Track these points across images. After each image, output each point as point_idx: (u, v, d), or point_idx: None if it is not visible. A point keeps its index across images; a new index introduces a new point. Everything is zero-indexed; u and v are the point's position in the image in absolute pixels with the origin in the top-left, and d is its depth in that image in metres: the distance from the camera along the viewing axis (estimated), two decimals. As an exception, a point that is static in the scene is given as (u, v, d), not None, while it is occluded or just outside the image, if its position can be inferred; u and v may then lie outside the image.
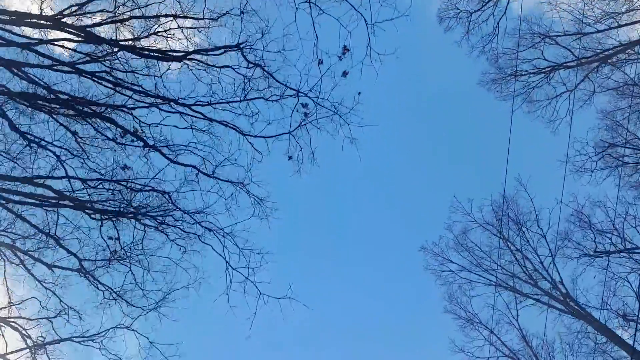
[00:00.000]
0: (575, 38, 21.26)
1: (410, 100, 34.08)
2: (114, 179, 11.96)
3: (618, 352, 18.78)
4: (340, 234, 36.09)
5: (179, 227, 12.55)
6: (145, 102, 11.72)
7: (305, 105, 10.60)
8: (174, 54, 11.06)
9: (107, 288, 14.96)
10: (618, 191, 21.69)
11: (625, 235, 20.73)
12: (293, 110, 10.87)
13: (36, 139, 11.27)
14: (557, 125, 23.16)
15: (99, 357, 14.92)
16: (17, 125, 10.77)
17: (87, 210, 12.38)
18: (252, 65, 10.59)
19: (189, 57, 11.00)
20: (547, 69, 22.40)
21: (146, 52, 11.54)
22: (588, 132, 22.19)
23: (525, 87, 23.48)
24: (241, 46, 10.24)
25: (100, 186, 12.03)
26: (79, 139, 13.84)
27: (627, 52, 21.66)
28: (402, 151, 35.88)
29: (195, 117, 11.89)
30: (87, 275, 14.95)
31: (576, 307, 20.05)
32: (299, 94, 10.49)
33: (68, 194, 11.85)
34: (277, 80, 10.52)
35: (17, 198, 11.88)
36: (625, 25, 20.41)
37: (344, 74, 9.83)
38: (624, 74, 22.49)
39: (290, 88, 10.52)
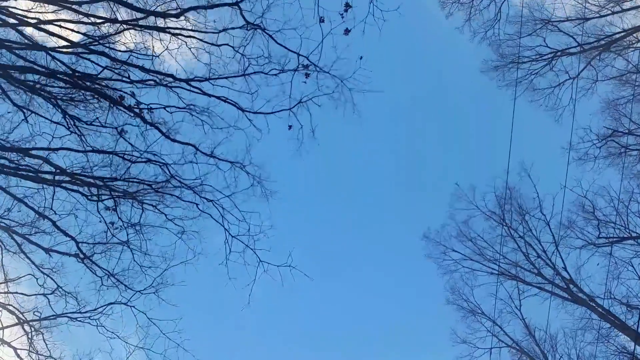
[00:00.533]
0: (578, 23, 21.10)
1: (413, 87, 34.01)
2: (111, 150, 11.75)
3: (621, 337, 18.62)
4: (339, 221, 35.95)
5: (176, 196, 12.40)
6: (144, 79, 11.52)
7: (306, 67, 10.38)
8: (171, 11, 10.80)
9: (105, 272, 14.75)
10: (622, 178, 21.45)
11: (628, 222, 20.58)
12: (294, 75, 10.66)
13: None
14: (560, 113, 22.97)
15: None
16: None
17: (83, 185, 12.18)
18: (251, 26, 10.35)
19: (185, 14, 10.76)
20: (549, 55, 22.22)
21: (145, 25, 11.37)
22: (591, 117, 22.07)
23: (528, 74, 23.30)
24: (239, 3, 10.03)
25: (98, 158, 11.81)
26: (77, 123, 13.71)
27: (629, 38, 21.49)
28: (404, 139, 35.82)
29: (193, 91, 11.73)
30: (84, 261, 14.77)
31: (579, 293, 19.87)
32: (299, 57, 10.30)
33: (64, 167, 11.65)
34: (276, 42, 10.32)
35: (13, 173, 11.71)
36: (630, 9, 20.20)
37: (346, 31, 9.59)
38: (627, 62, 22.35)
39: (291, 50, 10.28)
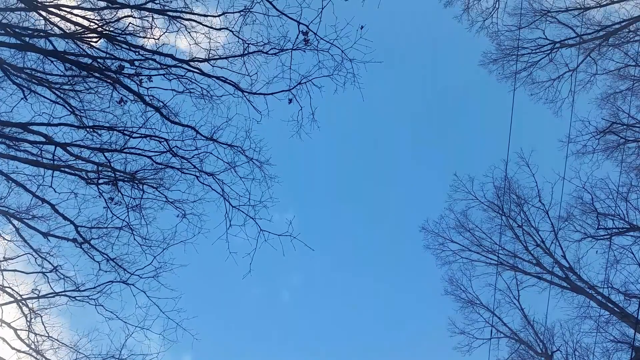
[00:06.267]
0: (577, 14, 21.13)
1: (411, 77, 34.12)
2: (110, 126, 11.75)
3: (621, 324, 18.60)
4: (335, 213, 36.06)
5: (177, 168, 12.40)
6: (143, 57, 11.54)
7: (305, 33, 10.36)
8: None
9: (104, 257, 14.74)
10: (620, 171, 21.46)
11: (627, 213, 20.59)
12: (294, 46, 10.66)
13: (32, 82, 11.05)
14: (559, 106, 23.07)
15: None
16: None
17: (81, 160, 12.20)
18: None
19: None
20: (548, 47, 22.25)
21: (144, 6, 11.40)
22: (590, 110, 22.13)
23: (527, 66, 23.34)
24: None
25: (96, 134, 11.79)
26: (77, 112, 13.73)
27: (628, 32, 21.50)
28: (402, 128, 35.93)
29: (193, 71, 11.75)
30: (83, 245, 14.76)
31: (578, 281, 19.88)
32: (300, 26, 10.28)
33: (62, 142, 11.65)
34: (276, 8, 10.30)
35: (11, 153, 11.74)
36: (629, -1, 20.23)
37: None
38: (625, 55, 22.38)
39: (290, 18, 10.24)
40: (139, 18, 12.33)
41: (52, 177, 11.50)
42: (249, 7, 10.58)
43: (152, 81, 11.27)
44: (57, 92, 13.33)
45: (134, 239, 13.56)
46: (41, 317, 14.07)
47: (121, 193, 12.58)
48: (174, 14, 12.47)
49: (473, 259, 23.70)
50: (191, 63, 11.75)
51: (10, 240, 15.02)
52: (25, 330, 13.82)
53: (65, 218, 14.29)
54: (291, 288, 35.67)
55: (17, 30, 12.08)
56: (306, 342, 34.14)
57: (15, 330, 13.62)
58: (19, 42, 11.47)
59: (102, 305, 13.98)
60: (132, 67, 11.93)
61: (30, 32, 12.30)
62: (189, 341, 13.98)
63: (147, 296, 13.64)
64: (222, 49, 12.35)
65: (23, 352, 14.10)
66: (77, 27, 12.13)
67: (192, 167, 12.18)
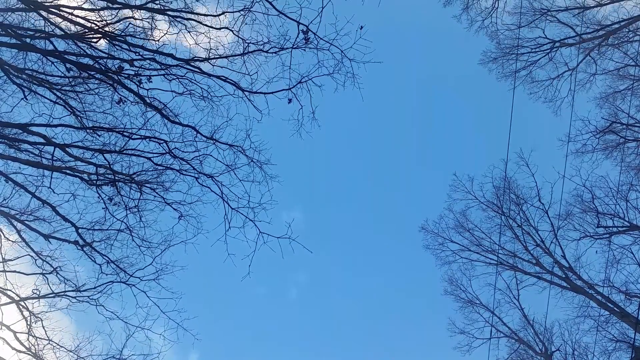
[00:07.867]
0: (577, 13, 21.12)
1: (410, 76, 34.13)
2: (110, 127, 11.70)
3: (620, 324, 18.60)
4: (337, 213, 36.05)
5: (176, 170, 12.37)
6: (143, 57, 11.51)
7: (306, 32, 10.34)
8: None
9: (105, 259, 14.68)
10: (620, 171, 21.45)
11: (627, 212, 20.59)
12: (294, 45, 10.63)
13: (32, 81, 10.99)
14: (559, 105, 23.04)
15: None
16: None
17: (81, 161, 12.16)
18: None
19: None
20: (547, 46, 22.24)
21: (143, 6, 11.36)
22: (590, 109, 22.12)
23: (527, 65, 23.32)
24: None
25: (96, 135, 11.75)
26: (77, 113, 13.68)
27: (628, 31, 21.49)
28: (401, 128, 35.92)
29: (193, 71, 11.72)
30: (84, 248, 14.71)
31: (578, 281, 19.88)
32: (299, 26, 10.26)
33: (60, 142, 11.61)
34: (275, 9, 10.28)
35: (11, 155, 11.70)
36: (629, -2, 20.22)
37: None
38: (625, 54, 22.37)
39: (290, 18, 10.23)
40: (139, 19, 12.34)
41: (52, 178, 11.38)
42: (249, 7, 10.54)
43: (152, 82, 11.23)
44: (57, 92, 13.31)
45: (133, 240, 13.51)
46: (42, 320, 14.01)
47: (120, 194, 12.52)
48: (174, 13, 12.46)
49: (473, 259, 23.72)
50: (191, 62, 11.72)
51: (14, 241, 14.96)
52: (25, 333, 13.77)
53: (66, 220, 14.23)
54: (298, 285, 35.73)
55: (17, 31, 12.05)
56: (308, 341, 34.15)
57: (14, 333, 13.55)
58: (19, 42, 11.45)
59: (102, 306, 13.98)
60: (132, 67, 11.92)
61: (30, 32, 12.28)
62: (195, 341, 13.98)
63: (147, 296, 13.63)
64: (223, 49, 12.36)
65: (22, 352, 14.05)
66: (77, 27, 12.11)
67: (192, 168, 12.15)
